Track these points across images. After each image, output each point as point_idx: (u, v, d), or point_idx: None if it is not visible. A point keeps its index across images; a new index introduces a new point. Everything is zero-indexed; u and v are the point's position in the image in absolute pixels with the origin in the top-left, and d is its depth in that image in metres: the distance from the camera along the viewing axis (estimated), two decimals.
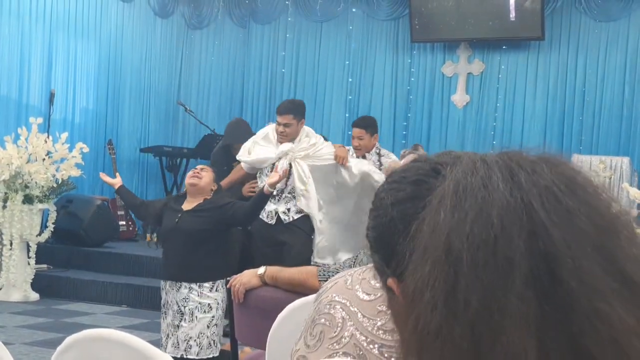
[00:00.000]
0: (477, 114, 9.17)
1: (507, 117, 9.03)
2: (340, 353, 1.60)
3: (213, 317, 4.77)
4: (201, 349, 4.76)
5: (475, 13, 8.90)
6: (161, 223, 4.96)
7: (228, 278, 4.79)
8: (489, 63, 9.16)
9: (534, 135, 8.85)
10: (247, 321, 3.16)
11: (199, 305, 4.74)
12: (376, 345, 1.60)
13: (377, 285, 1.67)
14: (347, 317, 1.65)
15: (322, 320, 1.68)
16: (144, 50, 10.28)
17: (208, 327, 4.76)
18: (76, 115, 9.50)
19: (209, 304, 4.77)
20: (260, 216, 5.50)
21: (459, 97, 9.24)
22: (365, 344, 1.61)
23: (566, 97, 8.77)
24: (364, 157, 6.15)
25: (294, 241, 5.54)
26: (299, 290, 2.85)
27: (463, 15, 8.96)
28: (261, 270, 3.07)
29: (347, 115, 9.67)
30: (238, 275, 3.13)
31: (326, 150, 5.67)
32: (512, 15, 8.73)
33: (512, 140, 8.95)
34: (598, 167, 7.83)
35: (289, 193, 5.60)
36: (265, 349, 2.75)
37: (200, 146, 9.59)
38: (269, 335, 2.52)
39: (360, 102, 9.70)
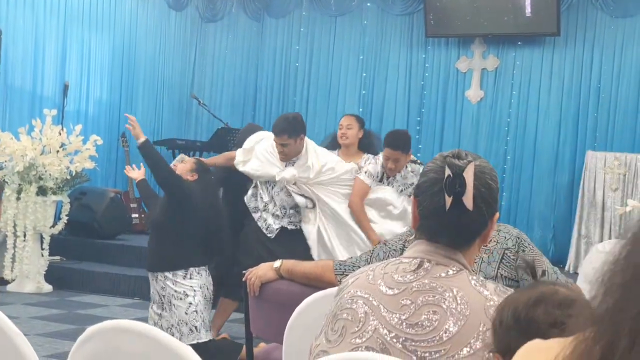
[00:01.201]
0: (491, 109, 9.13)
1: (521, 113, 8.98)
2: (363, 347, 1.60)
3: (190, 303, 4.83)
4: (182, 335, 4.83)
5: (491, 8, 8.86)
6: None
7: (200, 267, 4.89)
8: (504, 59, 9.11)
9: (548, 131, 8.81)
10: (262, 314, 3.15)
11: (175, 293, 4.82)
12: (400, 339, 1.59)
13: (400, 279, 1.66)
14: (370, 311, 1.64)
15: (344, 315, 1.67)
16: (157, 43, 10.29)
17: (186, 313, 4.83)
18: (90, 108, 9.51)
19: (184, 291, 4.84)
20: (260, 227, 5.34)
21: (473, 93, 9.20)
22: (388, 338, 1.60)
23: (581, 93, 8.72)
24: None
25: (291, 249, 5.26)
26: (315, 284, 2.85)
27: (478, 10, 8.92)
28: (277, 263, 3.07)
29: (360, 109, 9.64)
30: (254, 268, 3.13)
31: (342, 173, 5.35)
32: (528, 10, 8.68)
33: (526, 136, 8.90)
34: (613, 163, 7.79)
35: (291, 209, 5.35)
36: (279, 342, 2.74)
37: (214, 139, 9.59)
38: (287, 328, 2.52)
39: (374, 97, 9.67)
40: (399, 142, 5.39)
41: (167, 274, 4.84)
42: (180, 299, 4.84)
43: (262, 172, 5.24)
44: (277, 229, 5.31)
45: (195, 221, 4.86)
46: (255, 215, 5.39)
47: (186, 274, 4.88)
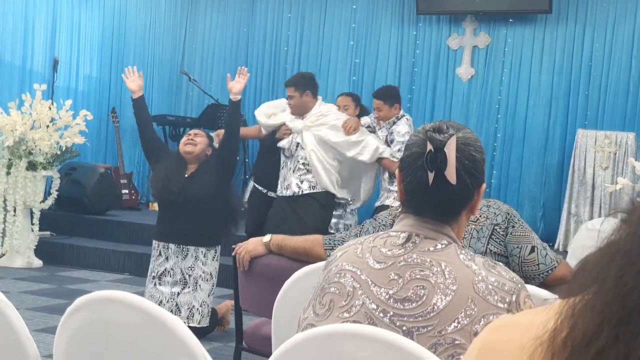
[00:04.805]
0: (482, 87, 9.12)
1: (512, 91, 8.98)
2: (350, 322, 1.60)
3: (213, 285, 4.83)
4: (202, 317, 4.81)
5: None
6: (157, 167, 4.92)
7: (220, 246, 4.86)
8: (495, 36, 9.10)
9: (539, 109, 8.81)
10: (252, 289, 3.16)
11: (202, 274, 4.77)
12: (388, 315, 1.59)
13: (389, 253, 1.66)
14: (358, 285, 1.64)
15: (332, 289, 1.67)
16: (148, 18, 10.22)
17: (209, 296, 4.82)
18: (80, 83, 9.46)
19: (211, 273, 4.81)
20: (278, 191, 5.79)
21: (464, 70, 9.19)
22: (376, 313, 1.60)
23: (572, 71, 8.72)
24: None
25: (307, 215, 5.56)
26: (304, 258, 2.85)
27: None
28: (266, 238, 3.07)
29: (351, 86, 9.62)
30: (243, 242, 3.13)
31: (332, 117, 5.76)
32: None
33: (516, 114, 8.91)
34: (603, 142, 7.82)
35: (302, 165, 5.68)
36: (268, 317, 2.75)
37: (204, 116, 9.57)
38: (275, 302, 2.52)
39: (365, 74, 9.65)
40: (379, 92, 6.41)
41: (202, 249, 4.78)
42: (207, 280, 4.79)
43: (277, 122, 5.81)
44: (289, 183, 5.72)
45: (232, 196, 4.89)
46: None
47: (215, 254, 4.84)
